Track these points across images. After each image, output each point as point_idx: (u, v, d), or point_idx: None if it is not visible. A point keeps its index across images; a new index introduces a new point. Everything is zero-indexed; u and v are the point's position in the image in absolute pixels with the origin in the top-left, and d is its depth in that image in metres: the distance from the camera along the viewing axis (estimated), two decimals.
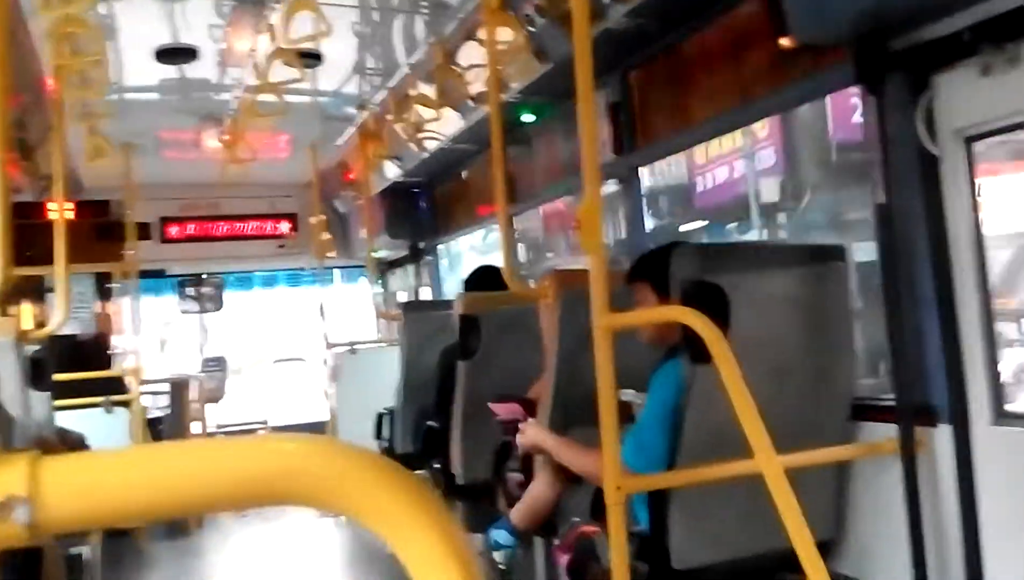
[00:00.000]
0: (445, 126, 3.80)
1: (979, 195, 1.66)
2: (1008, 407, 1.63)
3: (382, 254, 5.65)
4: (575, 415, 2.17)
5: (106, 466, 0.39)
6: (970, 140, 1.65)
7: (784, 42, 2.10)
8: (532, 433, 2.16)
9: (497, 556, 2.16)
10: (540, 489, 2.16)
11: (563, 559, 2.07)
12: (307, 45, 2.75)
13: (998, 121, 1.59)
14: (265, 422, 5.86)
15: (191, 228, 5.79)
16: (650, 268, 1.96)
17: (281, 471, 0.38)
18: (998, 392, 1.64)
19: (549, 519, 2.18)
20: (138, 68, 3.54)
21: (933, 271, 1.69)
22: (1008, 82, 1.51)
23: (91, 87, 3.22)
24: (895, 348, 1.73)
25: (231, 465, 0.38)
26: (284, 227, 5.96)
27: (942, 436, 1.69)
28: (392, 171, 4.67)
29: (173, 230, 5.75)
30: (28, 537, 0.35)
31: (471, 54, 3.15)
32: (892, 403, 1.77)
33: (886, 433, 1.77)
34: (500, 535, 2.19)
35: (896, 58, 1.67)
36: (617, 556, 1.56)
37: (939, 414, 1.70)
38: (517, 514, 2.20)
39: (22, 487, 0.35)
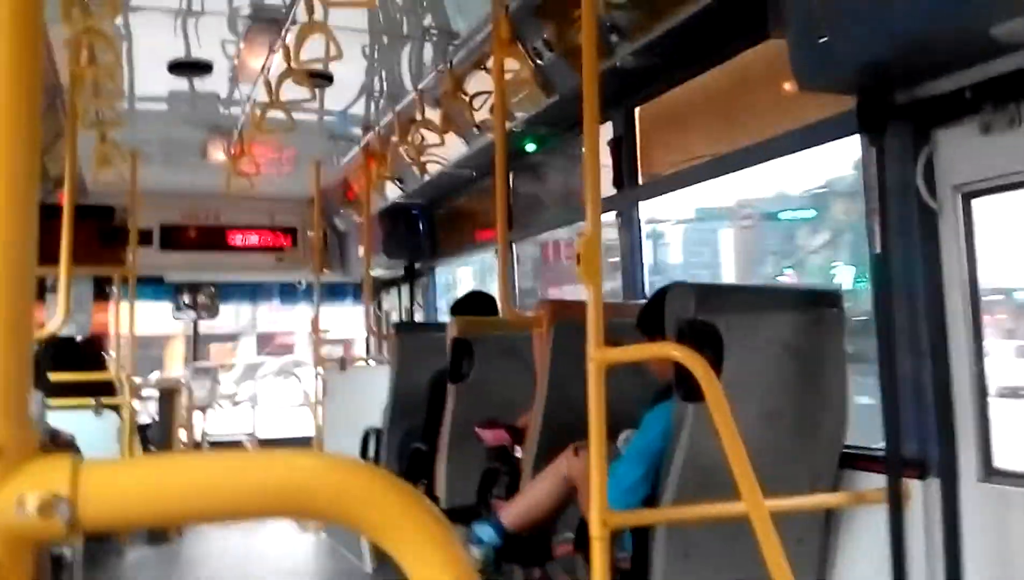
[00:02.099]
0: (448, 151, 3.84)
1: (975, 250, 1.68)
2: (996, 464, 1.62)
3: (378, 273, 5.66)
4: (560, 446, 2.15)
5: (141, 472, 0.41)
6: (968, 196, 1.67)
7: (787, 87, 2.15)
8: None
9: (475, 551, 2.09)
10: (539, 497, 2.09)
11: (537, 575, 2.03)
12: (318, 66, 2.79)
13: (997, 179, 1.62)
14: (252, 434, 5.79)
15: (191, 237, 5.79)
16: (646, 314, 1.97)
17: (302, 486, 0.40)
18: (987, 447, 1.63)
19: (542, 527, 2.12)
20: (150, 79, 3.58)
21: (927, 323, 1.70)
22: (1007, 141, 1.54)
23: (104, 96, 3.26)
24: (886, 398, 1.72)
25: (255, 477, 0.40)
26: (283, 241, 5.97)
27: (930, 489, 1.68)
28: (393, 192, 4.70)
29: (173, 238, 5.75)
30: (67, 535, 0.37)
31: (478, 82, 3.19)
32: (882, 453, 1.76)
33: (874, 483, 1.76)
34: (484, 531, 2.12)
35: (898, 111, 1.69)
36: None
37: (928, 467, 1.70)
38: (509, 514, 2.13)
39: (64, 487, 0.37)
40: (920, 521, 1.68)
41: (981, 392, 1.65)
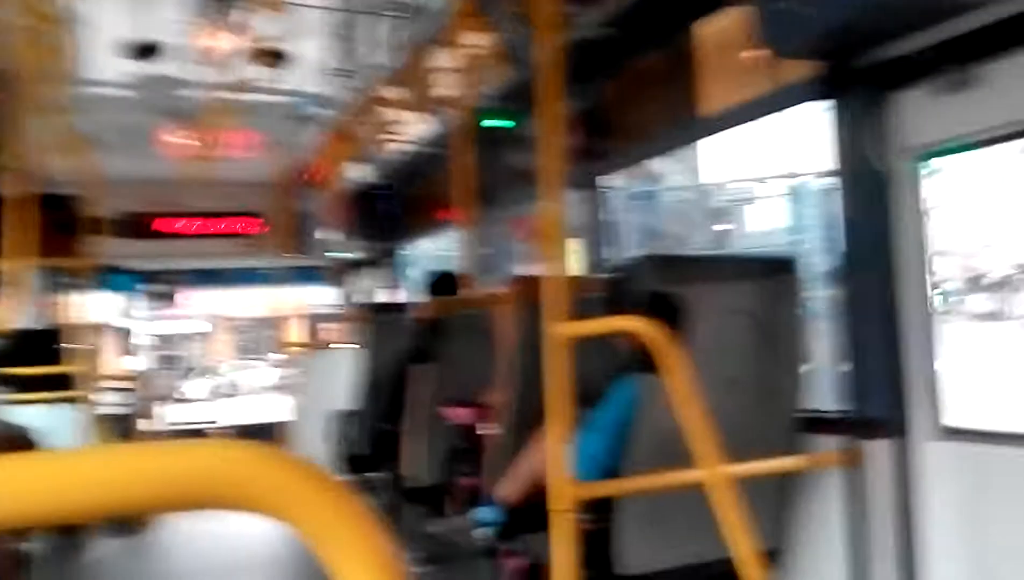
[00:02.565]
0: (412, 129, 3.77)
1: (928, 212, 1.70)
2: (947, 423, 1.66)
3: (344, 255, 5.58)
4: (527, 422, 2.15)
5: (46, 467, 0.40)
6: (920, 158, 1.69)
7: (753, 54, 2.13)
8: None
9: (481, 533, 2.10)
10: (527, 466, 2.08)
11: (511, 564, 2.04)
12: (269, 44, 2.71)
13: (949, 141, 1.63)
14: (214, 422, 5.71)
15: (153, 224, 5.65)
16: (611, 287, 1.96)
17: (217, 476, 0.39)
18: (938, 407, 1.66)
19: (539, 495, 2.11)
20: (102, 63, 3.45)
21: (880, 286, 1.72)
22: (959, 103, 1.55)
23: (51, 81, 3.13)
24: (845, 362, 1.74)
25: (171, 468, 0.39)
26: (248, 225, 5.85)
27: (884, 450, 1.71)
28: (359, 172, 4.63)
29: (134, 225, 5.60)
30: None
31: (442, 59, 3.13)
32: (836, 416, 1.79)
33: (831, 445, 1.79)
34: (486, 512, 2.13)
35: (859, 74, 1.69)
36: (562, 563, 1.54)
37: (882, 428, 1.72)
38: (503, 488, 2.13)
39: None
40: (875, 481, 1.71)
41: (930, 352, 1.67)
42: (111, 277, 5.96)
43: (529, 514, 2.12)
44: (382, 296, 5.41)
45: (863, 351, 1.73)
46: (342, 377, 3.74)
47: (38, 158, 4.05)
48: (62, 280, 4.76)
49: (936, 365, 1.67)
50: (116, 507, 0.40)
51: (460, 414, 2.47)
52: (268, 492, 0.38)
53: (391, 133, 3.75)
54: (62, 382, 3.70)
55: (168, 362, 6.41)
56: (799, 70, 1.85)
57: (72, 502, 0.38)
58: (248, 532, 4.33)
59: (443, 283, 3.15)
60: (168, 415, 6.09)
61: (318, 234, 5.57)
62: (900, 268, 1.69)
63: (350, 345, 4.71)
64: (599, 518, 1.77)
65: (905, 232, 1.69)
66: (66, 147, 3.72)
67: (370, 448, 3.29)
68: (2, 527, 0.40)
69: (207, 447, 0.40)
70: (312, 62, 3.55)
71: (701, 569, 1.78)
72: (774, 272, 1.92)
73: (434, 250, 5.31)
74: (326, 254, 4.82)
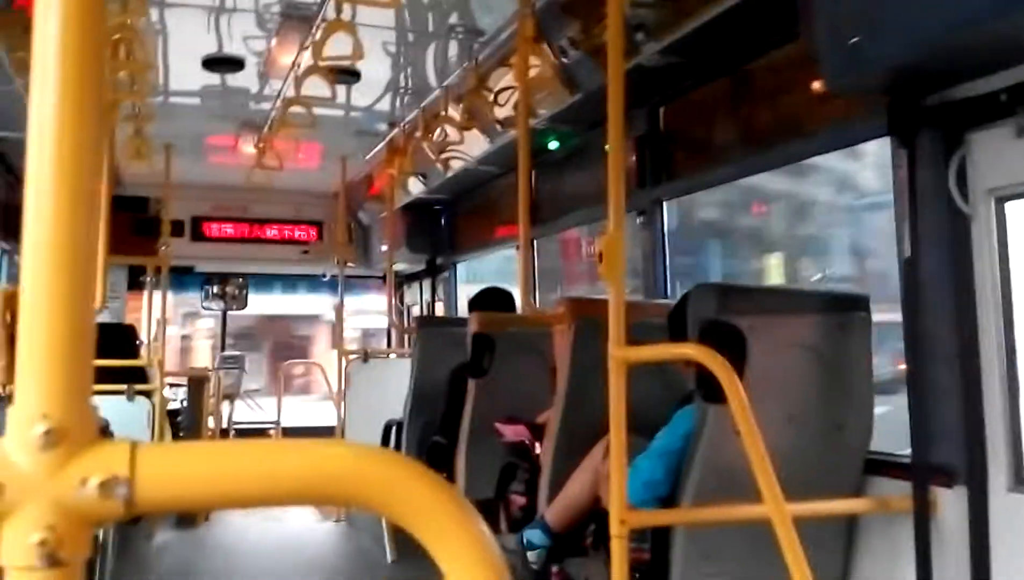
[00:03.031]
0: (471, 147, 3.86)
1: (1008, 254, 1.65)
2: None
3: (400, 267, 5.72)
4: (580, 444, 2.16)
5: (192, 457, 0.44)
6: (1001, 200, 1.64)
7: (816, 87, 2.12)
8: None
9: (531, 556, 2.13)
10: (576, 490, 2.12)
11: None
12: (345, 63, 2.83)
13: None
14: (277, 423, 5.90)
15: (221, 228, 5.92)
16: (673, 315, 1.97)
17: (336, 474, 0.42)
18: (1018, 456, 1.60)
19: (585, 521, 2.14)
20: (184, 74, 3.66)
21: (957, 329, 1.67)
22: None
23: (139, 91, 3.34)
24: (914, 405, 1.70)
25: (294, 464, 0.43)
26: (309, 233, 6.07)
27: (957, 498, 1.66)
28: (416, 187, 4.74)
29: (204, 229, 5.88)
30: (125, 513, 0.40)
31: (502, 79, 3.20)
32: (908, 460, 1.74)
33: (900, 490, 1.74)
34: (534, 535, 2.16)
35: (930, 113, 1.67)
36: None
37: (956, 475, 1.67)
38: (551, 512, 2.17)
39: (124, 469, 0.40)
40: (947, 530, 1.66)
41: (1012, 399, 1.62)
42: (183, 277, 6.27)
43: (575, 538, 2.14)
44: (436, 309, 5.51)
45: (936, 395, 1.69)
46: (394, 387, 3.83)
47: (119, 162, 4.31)
48: (138, 278, 5.04)
49: (1017, 411, 1.61)
50: (252, 499, 0.44)
51: (514, 431, 2.50)
52: (383, 492, 0.41)
53: (451, 150, 3.84)
54: (135, 376, 3.91)
55: (234, 362, 6.65)
56: (870, 105, 1.83)
57: (227, 489, 0.42)
58: (300, 530, 4.46)
59: (498, 299, 3.20)
60: (234, 413, 6.33)
61: (376, 246, 5.72)
62: (979, 310, 1.64)
63: (403, 355, 4.81)
64: (657, 546, 1.77)
65: (982, 273, 1.65)
66: (147, 152, 3.95)
67: (422, 459, 3.34)
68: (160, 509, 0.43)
69: (327, 446, 0.44)
70: (379, 80, 3.68)
71: None
72: (844, 308, 1.89)
73: (491, 267, 5.38)
74: (382, 265, 4.95)
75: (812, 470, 1.80)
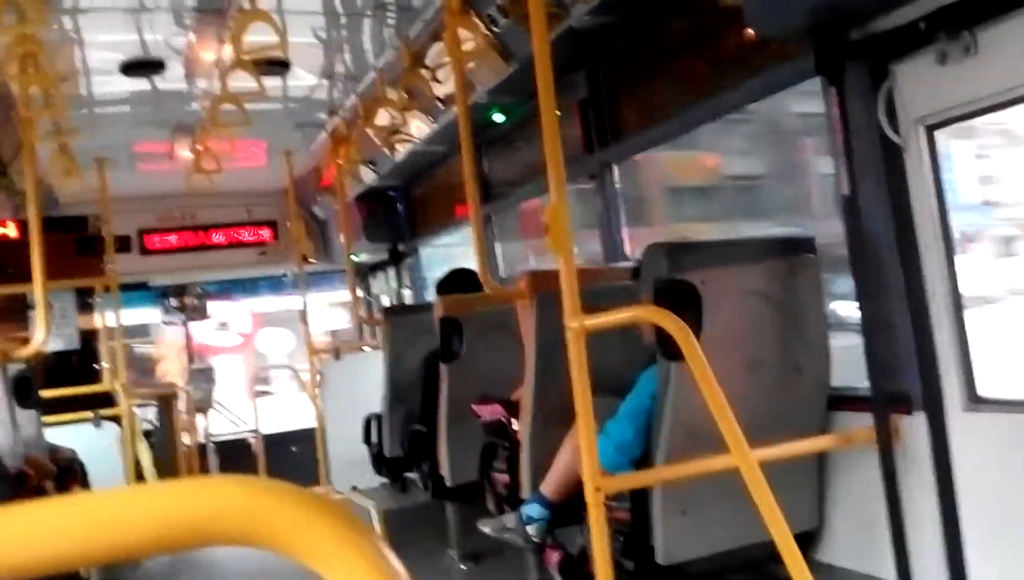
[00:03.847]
0: (416, 129, 3.77)
1: (943, 182, 1.67)
2: (980, 393, 1.65)
3: (362, 258, 5.63)
4: (555, 416, 2.17)
5: (25, 519, 0.39)
6: (932, 128, 1.66)
7: (746, 35, 2.11)
8: None
9: (531, 530, 2.14)
10: (567, 459, 2.12)
11: (553, 557, 2.07)
12: (273, 54, 2.72)
13: (958, 109, 1.60)
14: (255, 431, 5.83)
15: (171, 239, 5.74)
16: (635, 277, 1.96)
17: (209, 512, 0.39)
18: (970, 378, 1.65)
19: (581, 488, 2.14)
20: (106, 83, 3.49)
21: (901, 260, 1.70)
22: (965, 70, 1.52)
23: (56, 104, 3.17)
24: (868, 338, 1.74)
25: (157, 509, 0.39)
26: (264, 234, 5.92)
27: (917, 423, 1.71)
28: (368, 175, 4.64)
29: (153, 242, 5.70)
30: None
31: (439, 56, 3.12)
32: (867, 393, 1.78)
33: (862, 422, 1.79)
34: (533, 509, 2.16)
35: (854, 48, 1.67)
36: (600, 555, 1.56)
37: (913, 402, 1.72)
38: (547, 485, 2.17)
39: None
40: (910, 455, 1.71)
41: (959, 323, 1.66)
42: (137, 293, 6.08)
43: (573, 507, 2.16)
44: (402, 297, 5.45)
45: (887, 326, 1.72)
46: (371, 381, 3.79)
47: (51, 181, 4.12)
48: (89, 300, 4.88)
49: (964, 334, 1.65)
50: (124, 550, 0.40)
51: (490, 410, 2.50)
52: (277, 527, 0.38)
53: (395, 134, 3.75)
54: (100, 401, 3.80)
55: (203, 374, 6.52)
56: (799, 47, 1.82)
57: (80, 546, 0.39)
58: (240, 566, 4.38)
59: (460, 280, 3.17)
60: (208, 426, 6.22)
61: (333, 239, 5.62)
62: (919, 239, 1.67)
63: (375, 348, 4.76)
64: (636, 507, 1.80)
65: (920, 202, 1.68)
66: (76, 168, 3.77)
67: (403, 449, 3.34)
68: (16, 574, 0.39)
69: (205, 484, 0.40)
70: (312, 68, 3.56)
71: (739, 554, 1.80)
72: (791, 251, 1.91)
73: (451, 248, 5.33)
74: (343, 258, 4.86)
75: (776, 414, 1.83)
